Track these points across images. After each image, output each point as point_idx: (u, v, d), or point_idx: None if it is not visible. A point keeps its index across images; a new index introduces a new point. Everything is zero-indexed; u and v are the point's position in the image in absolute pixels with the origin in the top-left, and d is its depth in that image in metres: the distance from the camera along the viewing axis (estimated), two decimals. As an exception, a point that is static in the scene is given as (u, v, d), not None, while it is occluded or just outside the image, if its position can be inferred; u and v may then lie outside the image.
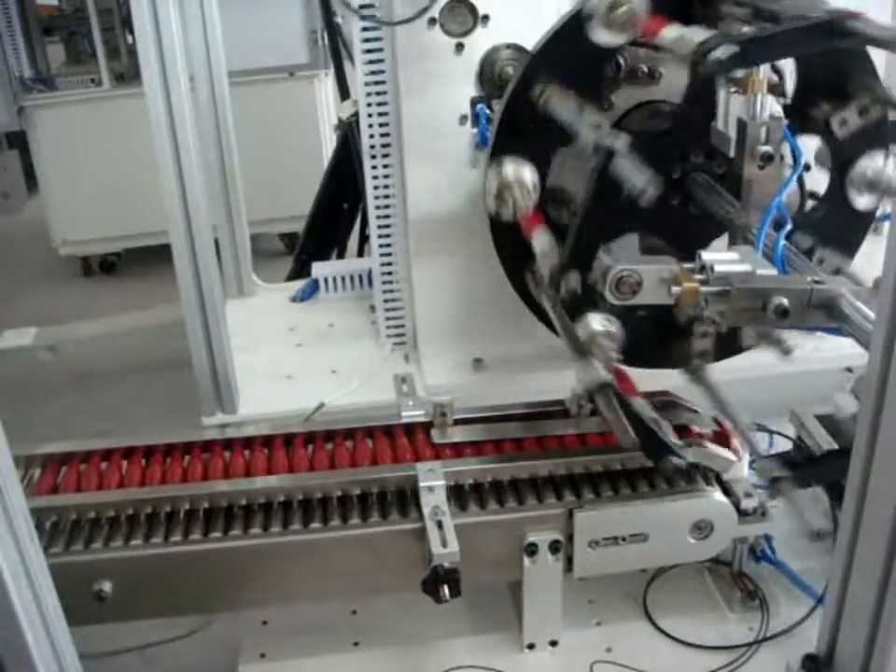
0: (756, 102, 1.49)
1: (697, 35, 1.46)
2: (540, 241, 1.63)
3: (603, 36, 1.69)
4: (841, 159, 1.77)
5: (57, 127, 4.45)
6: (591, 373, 1.61)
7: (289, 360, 2.52)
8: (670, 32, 1.55)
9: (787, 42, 1.45)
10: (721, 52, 1.36)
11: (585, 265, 1.55)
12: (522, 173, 1.82)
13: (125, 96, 4.30)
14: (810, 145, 1.76)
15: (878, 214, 1.97)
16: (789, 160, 1.59)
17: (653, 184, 1.47)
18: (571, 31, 1.74)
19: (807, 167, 1.71)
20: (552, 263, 1.56)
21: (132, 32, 3.95)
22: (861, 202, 1.81)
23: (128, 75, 4.42)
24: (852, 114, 1.74)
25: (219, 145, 2.70)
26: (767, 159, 1.53)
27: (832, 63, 1.74)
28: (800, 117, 1.68)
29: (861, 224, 1.86)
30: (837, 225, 1.82)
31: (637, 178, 1.46)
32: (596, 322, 1.68)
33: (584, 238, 1.63)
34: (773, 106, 1.51)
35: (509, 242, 1.94)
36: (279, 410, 2.23)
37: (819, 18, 1.44)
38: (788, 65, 1.71)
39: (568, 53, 1.77)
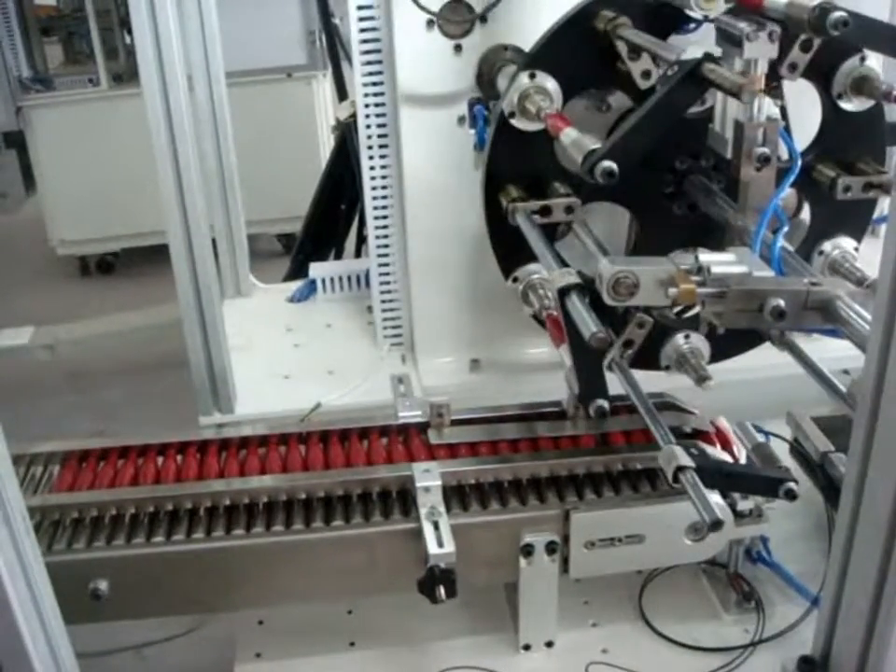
0: (753, 104, 1.49)
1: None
2: (571, 133, 1.64)
3: (691, 10, 1.72)
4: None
5: (55, 127, 4.45)
6: (564, 274, 1.61)
7: (286, 360, 2.53)
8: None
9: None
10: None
11: (626, 159, 1.55)
12: (548, 81, 1.84)
13: (123, 96, 4.31)
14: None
15: (875, 216, 1.98)
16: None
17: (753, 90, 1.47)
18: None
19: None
20: (588, 149, 1.57)
21: (130, 32, 3.94)
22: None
23: (126, 75, 4.43)
24: (857, 185, 1.80)
25: (217, 145, 2.70)
26: (764, 160, 1.53)
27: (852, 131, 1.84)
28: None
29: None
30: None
31: (734, 82, 1.46)
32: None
33: (637, 136, 1.61)
34: (770, 108, 1.51)
35: (502, 232, 1.95)
36: (276, 410, 2.23)
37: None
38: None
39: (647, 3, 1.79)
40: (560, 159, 1.88)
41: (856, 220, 1.93)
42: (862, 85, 1.77)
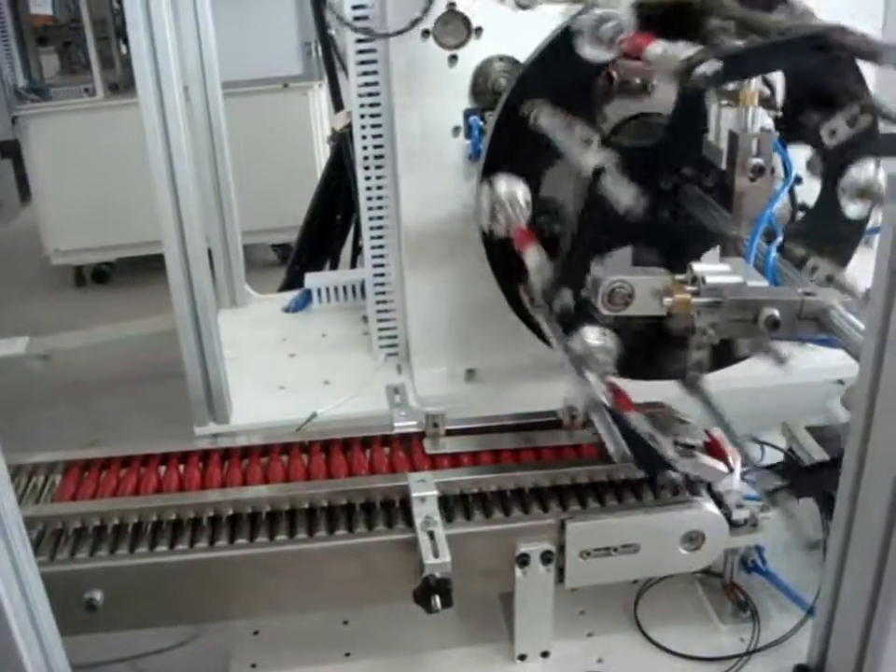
0: (747, 114, 1.50)
1: (682, 50, 1.44)
2: (533, 258, 1.65)
3: (590, 52, 1.70)
4: (831, 168, 1.78)
5: (50, 136, 4.46)
6: (585, 390, 1.61)
7: (282, 371, 2.52)
8: (655, 48, 1.54)
9: (771, 56, 1.46)
10: (706, 68, 1.36)
11: (578, 282, 1.56)
12: (514, 189, 1.83)
13: (119, 106, 4.32)
14: (801, 155, 1.78)
15: (869, 226, 1.98)
16: (780, 172, 1.60)
17: (639, 202, 1.48)
18: (561, 47, 1.75)
19: (798, 180, 1.72)
20: (544, 279, 1.58)
21: (126, 42, 3.97)
22: (853, 210, 1.83)
23: (122, 85, 4.44)
24: (841, 124, 1.75)
25: (213, 155, 2.71)
26: (758, 171, 1.53)
27: (820, 73, 1.75)
28: (790, 126, 1.69)
29: (853, 232, 1.87)
30: (829, 233, 1.83)
31: (623, 196, 1.47)
32: (592, 336, 1.69)
33: (577, 255, 1.64)
34: (764, 119, 1.52)
35: (502, 258, 1.94)
36: (271, 420, 2.23)
37: (806, 31, 1.45)
38: (777, 75, 1.73)
39: (558, 69, 1.78)
40: None
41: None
42: None
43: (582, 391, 1.61)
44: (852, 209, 1.82)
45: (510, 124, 1.83)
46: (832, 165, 1.83)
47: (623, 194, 1.48)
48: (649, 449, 1.60)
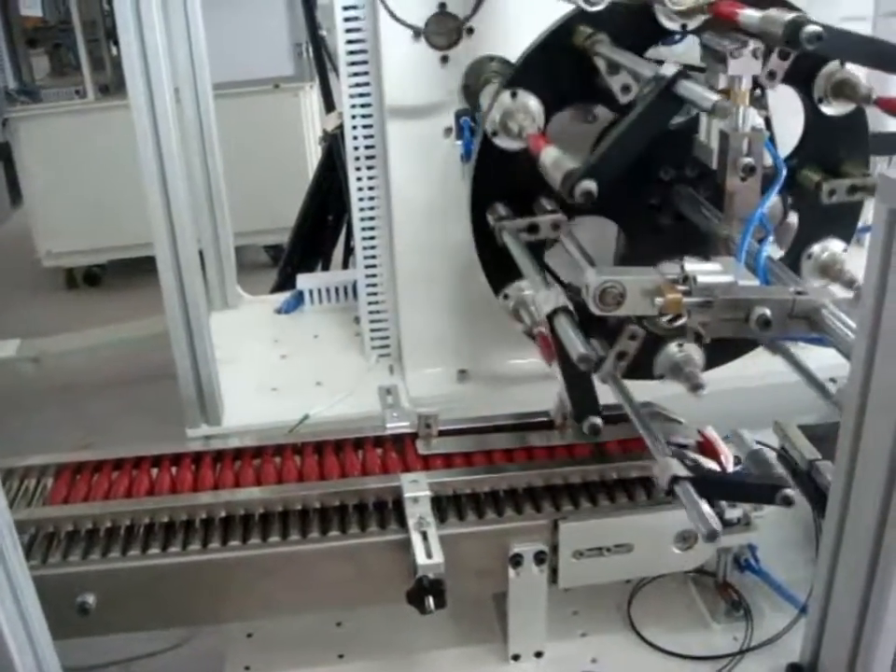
0: (738, 114, 1.50)
1: (782, 14, 1.45)
2: (549, 154, 1.63)
3: (668, 22, 1.71)
4: (803, 235, 1.83)
5: (41, 138, 4.45)
6: (552, 293, 1.60)
7: (274, 372, 2.52)
8: (751, 11, 1.53)
9: (866, 48, 1.55)
10: (813, 28, 1.39)
11: (605, 177, 1.55)
12: (529, 102, 1.82)
13: (110, 108, 4.31)
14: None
15: (860, 225, 1.99)
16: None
17: (724, 105, 1.47)
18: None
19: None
20: (563, 171, 1.57)
21: (116, 44, 3.96)
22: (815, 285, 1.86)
23: (112, 86, 4.44)
24: (843, 188, 1.80)
25: (204, 156, 2.71)
26: (749, 170, 1.53)
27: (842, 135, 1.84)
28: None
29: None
30: None
31: (706, 99, 1.45)
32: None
33: (615, 154, 1.61)
34: (755, 118, 1.52)
35: (492, 174, 1.92)
36: (264, 421, 2.23)
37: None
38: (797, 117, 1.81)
39: (629, 18, 1.76)
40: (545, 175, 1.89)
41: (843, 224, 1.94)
42: (842, 89, 1.78)
43: (548, 295, 1.60)
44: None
45: (554, 44, 1.81)
46: (806, 231, 1.88)
47: (706, 96, 1.46)
48: (588, 389, 1.62)
